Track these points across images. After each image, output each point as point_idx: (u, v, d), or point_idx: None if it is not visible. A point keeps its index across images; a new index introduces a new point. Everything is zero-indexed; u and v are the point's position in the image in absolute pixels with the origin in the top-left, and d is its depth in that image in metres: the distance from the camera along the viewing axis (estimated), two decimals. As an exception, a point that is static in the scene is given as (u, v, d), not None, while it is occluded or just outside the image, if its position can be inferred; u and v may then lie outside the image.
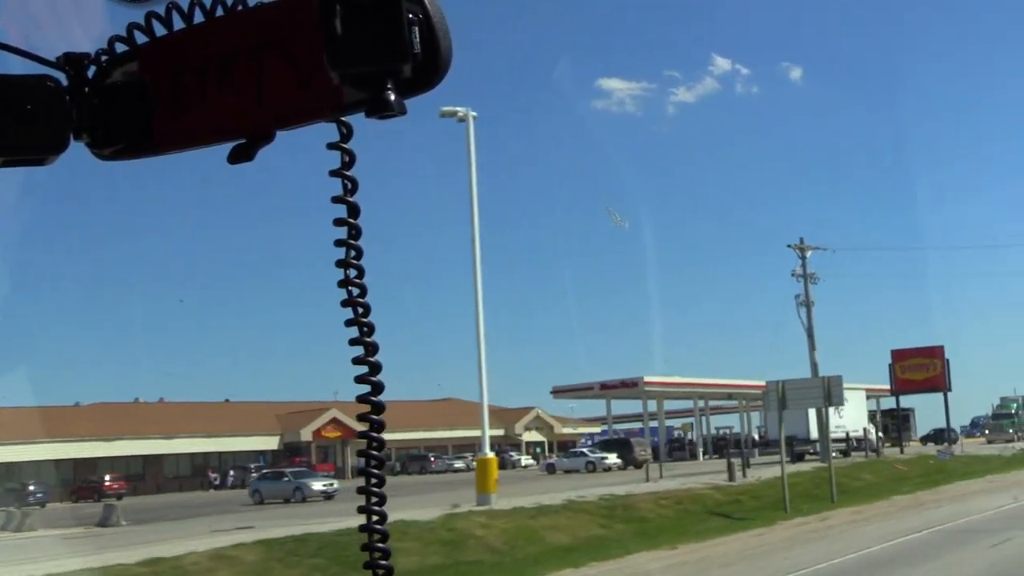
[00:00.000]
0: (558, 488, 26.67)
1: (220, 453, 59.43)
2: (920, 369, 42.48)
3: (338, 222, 0.72)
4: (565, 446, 59.59)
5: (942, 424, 72.77)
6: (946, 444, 41.41)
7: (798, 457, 37.57)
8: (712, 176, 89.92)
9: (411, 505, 22.91)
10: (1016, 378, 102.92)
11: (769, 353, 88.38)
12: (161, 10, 0.73)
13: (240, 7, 0.71)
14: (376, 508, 0.78)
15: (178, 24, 0.74)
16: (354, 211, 0.73)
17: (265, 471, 39.80)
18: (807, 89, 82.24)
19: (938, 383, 42.85)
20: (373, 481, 0.77)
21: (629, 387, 51.15)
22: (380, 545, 0.78)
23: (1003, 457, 37.36)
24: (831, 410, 39.92)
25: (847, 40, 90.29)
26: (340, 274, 0.74)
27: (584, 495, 23.33)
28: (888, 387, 45.67)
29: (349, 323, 0.75)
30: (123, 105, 0.75)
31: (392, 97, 0.64)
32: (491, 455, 22.84)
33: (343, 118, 0.72)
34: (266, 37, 0.69)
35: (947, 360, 41.61)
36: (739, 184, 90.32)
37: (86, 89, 0.75)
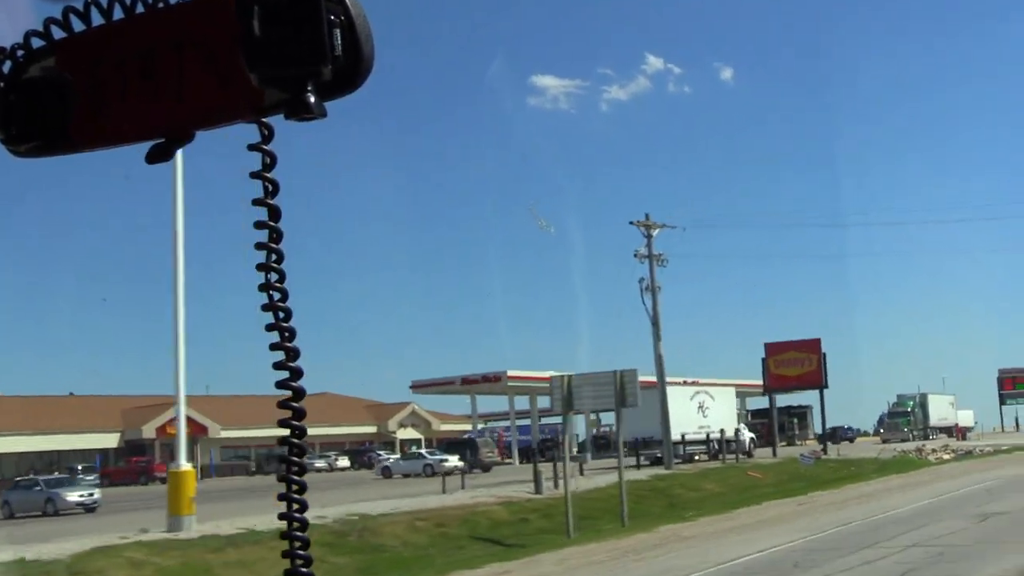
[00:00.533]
0: (346, 499, 21.85)
1: (59, 452, 53.39)
2: (795, 364, 37.91)
3: (259, 225, 0.71)
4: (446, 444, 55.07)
5: (849, 421, 71.07)
6: (822, 447, 37.51)
7: (656, 461, 33.48)
8: (640, 173, 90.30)
9: (97, 529, 17.85)
10: (934, 371, 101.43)
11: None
12: (80, 5, 0.71)
13: (160, 4, 0.69)
14: (297, 515, 0.78)
15: (97, 20, 0.71)
16: (275, 214, 0.71)
17: (18, 479, 33.99)
18: (738, 89, 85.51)
19: (814, 379, 38.22)
20: (295, 488, 0.78)
21: (492, 382, 46.69)
22: (301, 552, 0.78)
23: (878, 461, 33.81)
24: (695, 409, 36.35)
25: (779, 41, 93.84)
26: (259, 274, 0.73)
27: (342, 512, 18.60)
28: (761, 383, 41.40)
29: (270, 328, 0.74)
30: (39, 102, 0.72)
31: (312, 99, 0.64)
32: (187, 467, 17.76)
33: (264, 119, 0.70)
34: (186, 36, 0.67)
35: (824, 354, 37.51)
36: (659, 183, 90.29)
37: (1, 84, 0.73)
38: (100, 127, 0.72)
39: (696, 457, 35.03)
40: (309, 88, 0.63)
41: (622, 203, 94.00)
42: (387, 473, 40.90)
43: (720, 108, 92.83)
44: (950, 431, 69.05)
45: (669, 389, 35.56)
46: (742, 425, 39.88)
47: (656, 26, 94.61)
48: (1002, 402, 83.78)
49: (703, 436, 34.72)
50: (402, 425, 68.53)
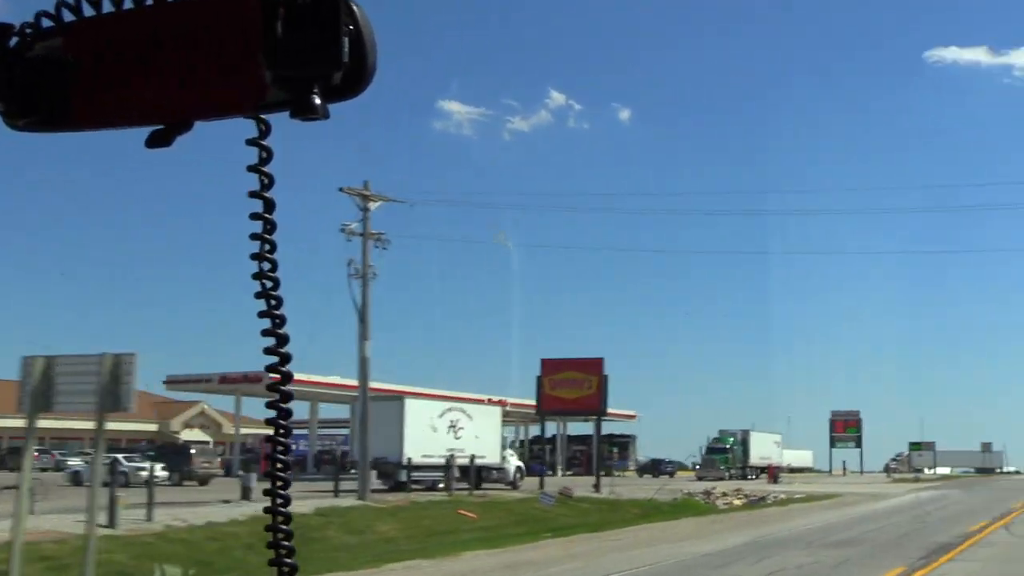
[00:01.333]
0: None
1: None
2: (573, 385, 31.22)
3: (254, 216, 0.75)
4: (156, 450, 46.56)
5: (680, 455, 65.84)
6: (567, 486, 30.34)
7: (398, 486, 26.72)
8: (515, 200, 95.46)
9: None
10: (780, 409, 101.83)
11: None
12: None
13: None
14: (281, 509, 0.81)
15: (108, 7, 0.73)
16: (269, 206, 0.75)
17: None
18: (633, 129, 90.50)
19: (591, 404, 31.83)
20: (279, 483, 0.82)
21: (253, 382, 38.78)
22: (285, 543, 0.82)
23: (652, 503, 27.91)
24: (445, 428, 29.88)
25: (675, 87, 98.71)
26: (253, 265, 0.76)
27: None
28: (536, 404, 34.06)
29: (262, 315, 0.77)
30: (44, 79, 0.73)
31: (318, 101, 0.66)
32: None
33: (263, 116, 0.73)
34: (197, 28, 0.69)
35: (605, 377, 31.08)
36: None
37: (6, 61, 0.74)
38: (101, 108, 0.73)
39: (437, 486, 28.37)
40: (316, 90, 0.66)
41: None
42: (77, 479, 32.50)
43: (614, 145, 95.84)
44: (777, 472, 66.28)
45: (410, 403, 28.95)
46: (509, 452, 33.55)
47: (560, 64, 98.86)
48: (832, 444, 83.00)
49: (443, 461, 27.88)
50: (188, 426, 60.28)
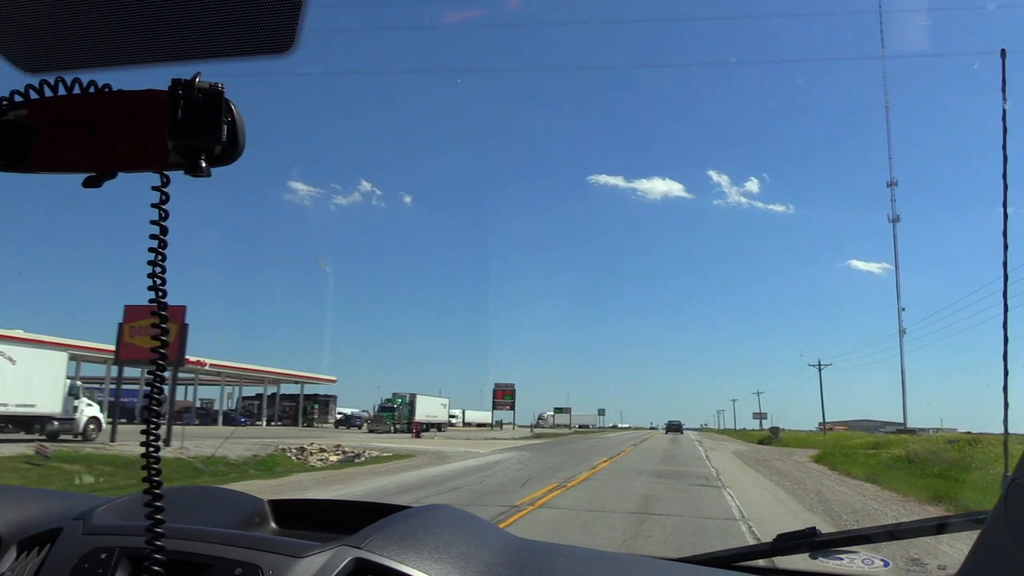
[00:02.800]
0: None
1: None
2: (150, 334, 28.77)
3: (152, 236, 1.02)
4: None
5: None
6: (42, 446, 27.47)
7: None
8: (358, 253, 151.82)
9: None
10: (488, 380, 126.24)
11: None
12: (52, 80, 1.04)
13: (107, 90, 1.03)
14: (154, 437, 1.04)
15: (62, 91, 1.05)
16: (164, 232, 1.02)
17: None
18: (414, 210, 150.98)
19: (171, 353, 28.52)
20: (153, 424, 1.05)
21: None
22: (156, 466, 1.05)
23: (213, 461, 24.98)
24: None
25: (444, 181, 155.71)
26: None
27: None
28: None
29: (155, 325, 1.09)
30: (12, 136, 1.04)
31: (204, 165, 0.99)
32: None
33: (166, 172, 1.02)
34: (123, 110, 1.01)
35: (186, 326, 28.60)
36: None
37: None
38: (51, 160, 1.03)
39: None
40: (203, 157, 0.99)
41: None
42: None
43: (400, 221, 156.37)
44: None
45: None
46: (85, 401, 30.40)
47: (366, 158, 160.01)
48: (494, 407, 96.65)
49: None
50: None
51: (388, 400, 71.38)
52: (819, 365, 74.00)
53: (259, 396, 76.69)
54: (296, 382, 78.11)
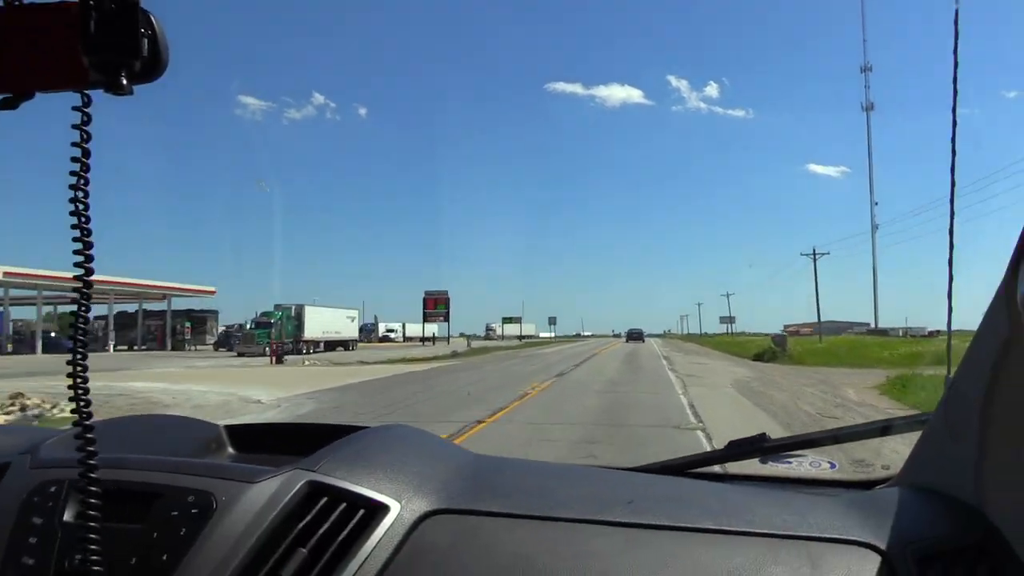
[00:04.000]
0: None
1: None
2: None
3: (74, 159, 0.97)
4: None
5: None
6: None
7: None
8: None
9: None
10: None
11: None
12: None
13: (17, 3, 0.97)
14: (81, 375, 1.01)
15: None
16: (86, 154, 0.98)
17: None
18: (369, 121, 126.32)
19: None
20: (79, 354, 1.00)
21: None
22: (85, 395, 1.02)
23: None
24: None
25: (397, 91, 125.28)
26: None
27: None
28: None
29: (77, 253, 0.99)
30: None
31: (125, 82, 0.93)
32: None
33: (86, 91, 0.97)
34: (35, 26, 0.95)
35: None
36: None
37: None
38: None
39: None
40: (123, 74, 0.92)
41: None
42: None
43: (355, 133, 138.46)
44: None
45: None
46: None
47: (320, 72, 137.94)
48: (424, 319, 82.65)
49: None
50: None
51: (265, 313, 53.57)
52: (814, 254, 60.04)
53: (105, 316, 59.50)
54: (163, 296, 62.71)
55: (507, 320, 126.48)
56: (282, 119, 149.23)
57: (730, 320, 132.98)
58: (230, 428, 1.78)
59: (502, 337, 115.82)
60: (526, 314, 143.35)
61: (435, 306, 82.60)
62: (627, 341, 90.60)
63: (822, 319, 60.85)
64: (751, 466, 1.80)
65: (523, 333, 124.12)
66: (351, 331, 64.05)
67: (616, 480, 1.47)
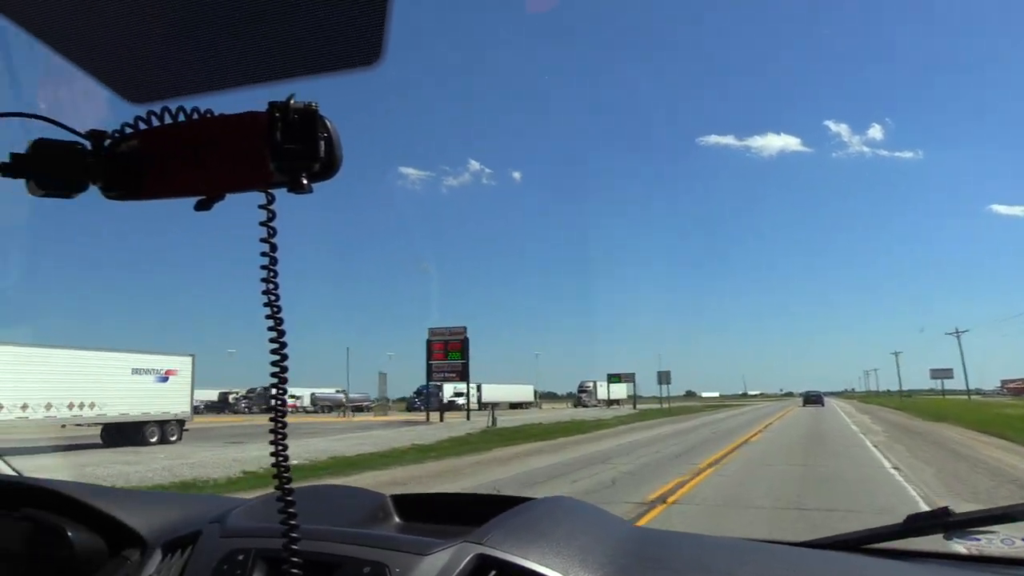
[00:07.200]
0: None
1: None
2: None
3: (263, 254, 1.06)
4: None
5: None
6: None
7: None
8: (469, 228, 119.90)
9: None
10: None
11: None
12: (157, 110, 1.07)
13: (210, 115, 1.05)
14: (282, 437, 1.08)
15: (168, 120, 1.07)
16: (273, 249, 1.06)
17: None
18: (524, 186, 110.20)
19: None
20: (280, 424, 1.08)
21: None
22: (287, 473, 1.08)
23: None
24: None
25: (551, 156, 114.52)
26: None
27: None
28: None
29: (271, 329, 1.08)
30: (126, 166, 1.07)
31: (305, 181, 1.00)
32: None
33: (271, 190, 1.05)
34: (227, 135, 1.03)
35: None
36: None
37: (103, 154, 1.08)
38: (164, 186, 1.06)
39: None
40: (304, 175, 1.00)
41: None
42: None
43: (510, 196, 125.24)
44: None
45: None
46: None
47: (476, 140, 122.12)
48: (429, 374, 46.42)
49: None
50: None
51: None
52: None
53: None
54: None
55: (614, 378, 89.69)
56: (440, 187, 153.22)
57: (943, 374, 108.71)
58: (395, 497, 1.84)
59: (606, 401, 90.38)
60: (633, 368, 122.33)
61: (443, 353, 48.76)
62: (804, 405, 77.24)
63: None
64: (934, 543, 1.63)
65: (653, 394, 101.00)
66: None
67: (788, 557, 1.42)
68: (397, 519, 1.77)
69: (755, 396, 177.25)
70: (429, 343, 49.40)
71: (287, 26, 1.08)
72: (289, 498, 1.08)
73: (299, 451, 21.31)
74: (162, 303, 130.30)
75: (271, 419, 1.05)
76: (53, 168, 1.07)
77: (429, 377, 49.75)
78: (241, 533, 1.38)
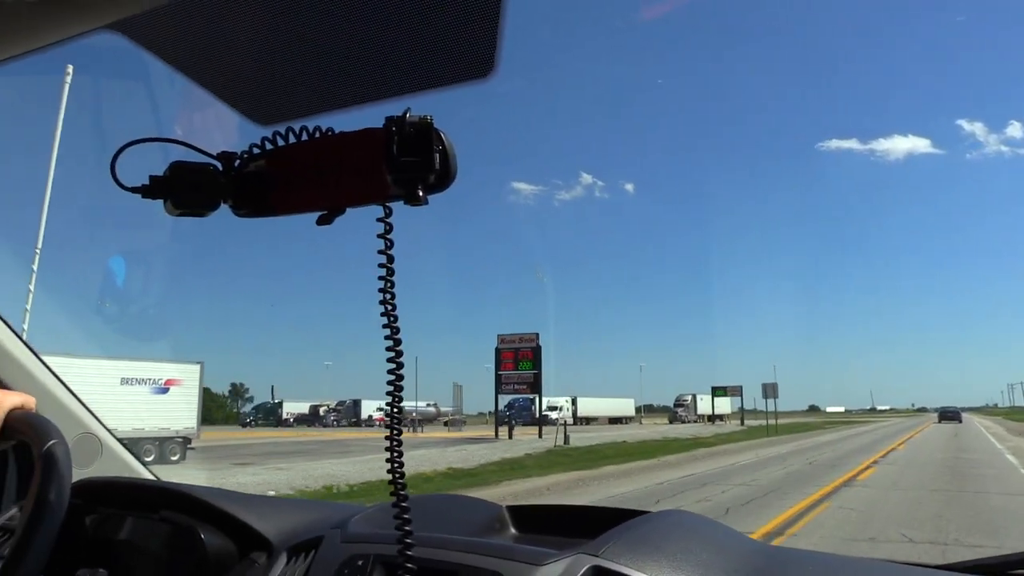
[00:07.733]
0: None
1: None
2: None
3: (381, 265, 1.09)
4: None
5: None
6: None
7: None
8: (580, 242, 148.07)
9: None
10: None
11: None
12: (282, 131, 1.13)
13: (330, 133, 1.10)
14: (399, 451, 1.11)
15: (292, 140, 1.13)
16: (390, 260, 1.09)
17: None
18: (636, 197, 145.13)
19: None
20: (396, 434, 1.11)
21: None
22: (401, 480, 1.12)
23: None
24: None
25: (665, 166, 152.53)
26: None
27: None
28: None
29: (388, 339, 1.11)
30: (253, 185, 1.13)
31: (421, 194, 1.04)
32: None
33: (388, 203, 1.08)
34: (346, 151, 1.08)
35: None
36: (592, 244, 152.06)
37: (232, 174, 1.14)
38: (289, 203, 1.12)
39: None
40: (420, 187, 1.03)
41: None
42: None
43: (622, 208, 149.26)
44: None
45: None
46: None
47: (588, 153, 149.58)
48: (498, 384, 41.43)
49: None
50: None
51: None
52: None
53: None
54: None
55: (718, 391, 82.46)
56: (553, 200, 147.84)
57: None
58: (512, 508, 1.86)
59: (707, 417, 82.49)
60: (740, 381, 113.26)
61: (513, 361, 43.53)
62: (939, 421, 73.92)
63: None
64: None
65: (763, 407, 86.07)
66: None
67: None
68: (513, 530, 1.81)
69: (884, 411, 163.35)
70: (498, 351, 44.33)
71: (403, 44, 1.15)
72: (404, 504, 1.11)
73: (294, 477, 16.58)
74: (263, 314, 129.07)
75: (388, 427, 1.09)
76: (188, 189, 1.12)
77: (498, 389, 44.62)
78: (361, 539, 1.46)
